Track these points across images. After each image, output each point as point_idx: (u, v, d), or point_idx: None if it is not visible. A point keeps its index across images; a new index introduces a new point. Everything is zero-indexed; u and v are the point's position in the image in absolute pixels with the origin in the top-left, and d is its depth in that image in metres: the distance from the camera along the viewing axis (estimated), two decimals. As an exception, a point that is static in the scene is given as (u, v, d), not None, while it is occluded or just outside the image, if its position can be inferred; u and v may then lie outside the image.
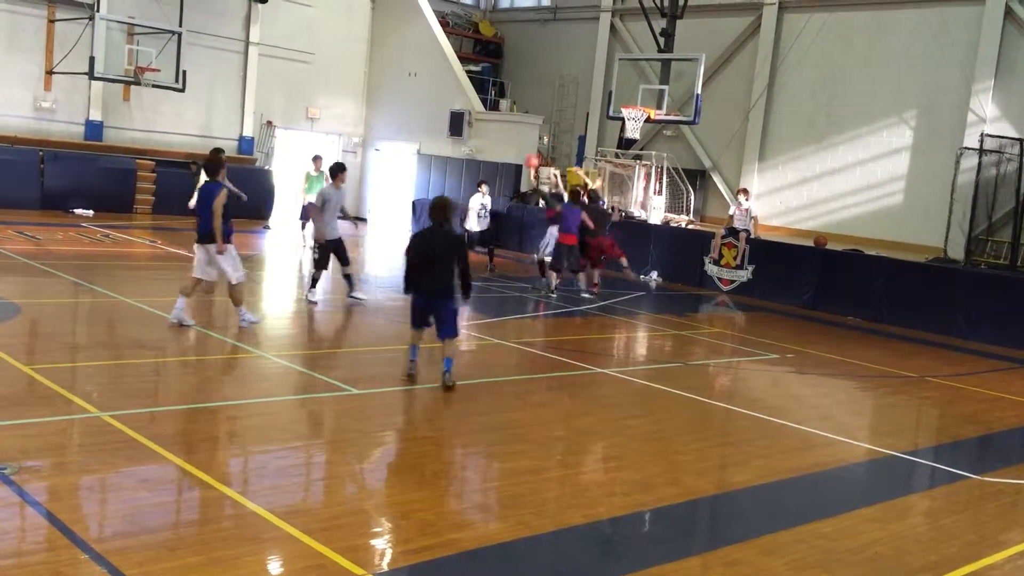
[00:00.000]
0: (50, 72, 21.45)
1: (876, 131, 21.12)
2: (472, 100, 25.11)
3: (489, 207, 18.18)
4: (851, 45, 21.53)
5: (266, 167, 25.07)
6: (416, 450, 7.30)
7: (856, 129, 21.43)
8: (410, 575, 4.91)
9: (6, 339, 9.02)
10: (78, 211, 20.81)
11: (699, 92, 20.31)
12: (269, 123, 25.49)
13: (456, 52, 26.44)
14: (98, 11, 20.05)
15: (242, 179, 23.62)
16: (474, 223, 17.86)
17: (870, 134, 21.22)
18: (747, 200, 19.00)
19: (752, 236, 18.51)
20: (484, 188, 18.15)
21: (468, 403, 8.74)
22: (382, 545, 5.33)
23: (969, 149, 18.98)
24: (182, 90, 20.91)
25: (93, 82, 21.13)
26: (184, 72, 20.62)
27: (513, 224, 22.78)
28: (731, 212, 19.12)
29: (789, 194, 22.61)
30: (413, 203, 25.48)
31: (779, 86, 22.70)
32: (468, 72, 26.22)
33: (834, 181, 21.83)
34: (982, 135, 18.75)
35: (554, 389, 9.65)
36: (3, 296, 11.13)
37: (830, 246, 18.52)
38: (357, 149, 27.73)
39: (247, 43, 24.64)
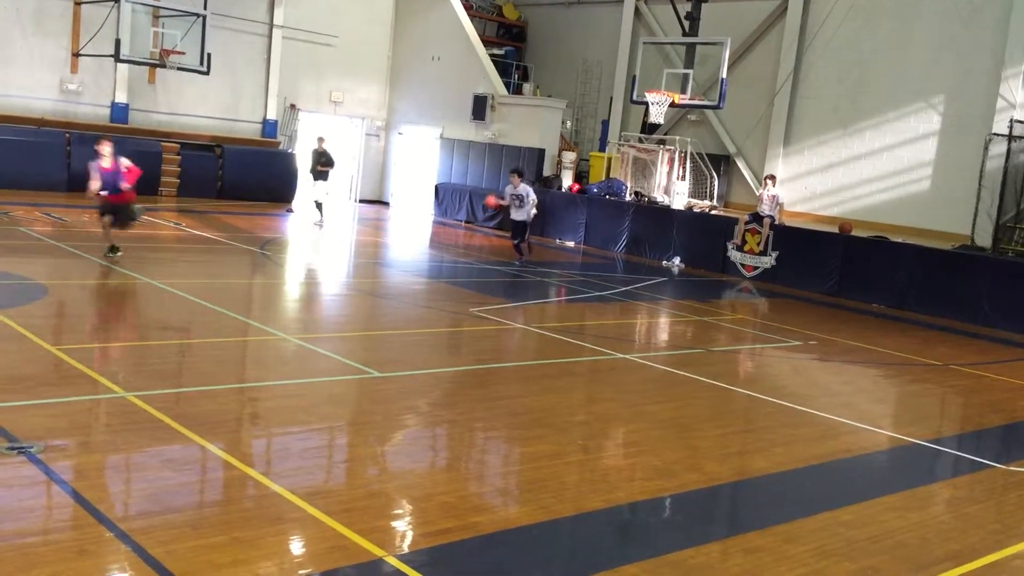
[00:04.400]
0: (76, 55, 21.59)
1: (903, 116, 20.89)
2: (495, 84, 25.04)
3: (525, 196, 16.97)
4: (878, 29, 21.28)
5: (289, 150, 25.14)
6: (437, 433, 7.33)
7: (883, 114, 21.21)
8: (430, 557, 4.94)
9: (33, 319, 9.12)
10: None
11: (724, 76, 20.17)
12: (293, 106, 25.56)
13: (480, 36, 26.36)
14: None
15: (265, 162, 23.81)
16: (514, 213, 17.23)
17: (897, 119, 20.99)
18: (774, 186, 18.88)
19: (776, 222, 18.40)
20: (513, 177, 17.24)
21: (489, 387, 8.77)
22: (403, 527, 5.37)
23: (998, 135, 18.73)
24: (207, 73, 20.98)
25: (119, 65, 21.24)
26: (209, 55, 20.68)
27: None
28: (760, 195, 19.03)
29: (814, 180, 22.42)
30: (436, 187, 25.49)
31: (805, 70, 22.49)
32: (491, 56, 26.13)
33: (860, 167, 21.63)
34: (1011, 121, 18.50)
35: (575, 374, 9.65)
36: (30, 277, 11.25)
37: (855, 233, 18.37)
38: (380, 133, 27.75)
39: (271, 26, 24.67)
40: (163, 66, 20.81)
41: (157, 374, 7.94)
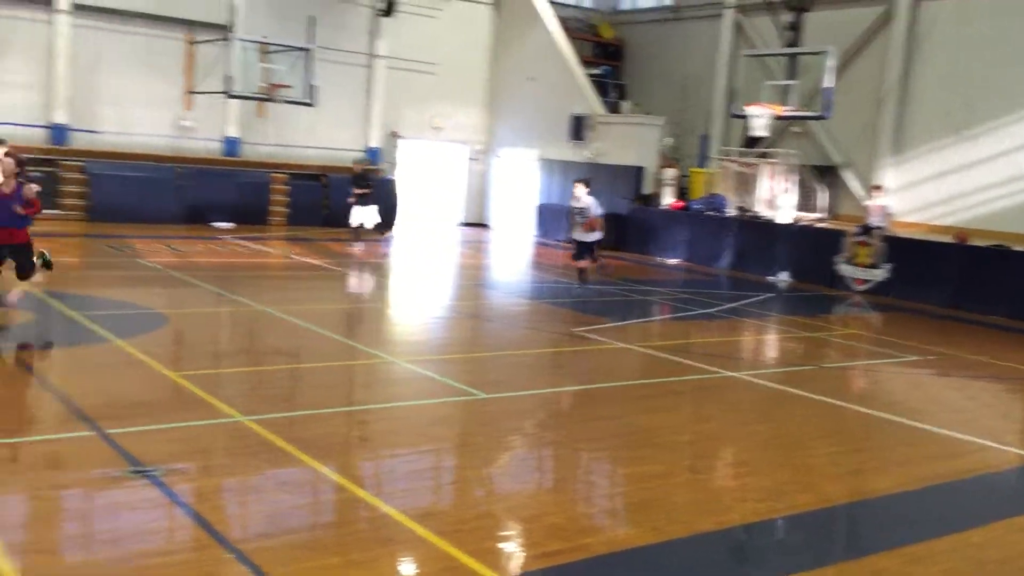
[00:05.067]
0: (189, 93, 22.52)
1: (1021, 119, 20.00)
2: (593, 103, 25.05)
3: (588, 208, 15.19)
4: (991, 30, 20.46)
5: (390, 177, 25.62)
6: (544, 454, 7.32)
7: (998, 118, 20.34)
8: (541, 579, 4.92)
9: (154, 348, 9.49)
10: (217, 224, 21.75)
11: (829, 86, 19.72)
12: (394, 134, 26.06)
13: (577, 55, 26.44)
14: (234, 32, 20.91)
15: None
16: (576, 231, 15.43)
17: (1014, 123, 20.09)
18: (881, 196, 18.32)
19: (886, 233, 17.83)
20: (577, 188, 15.46)
21: (594, 407, 8.71)
22: (513, 549, 5.36)
23: (1126, 135, 17.78)
24: (312, 105, 21.59)
25: (229, 100, 22.06)
26: (314, 87, 21.29)
27: (634, 226, 22.64)
28: (868, 206, 18.49)
29: (926, 188, 21.64)
30: (536, 208, 25.59)
31: (913, 76, 21.78)
32: (589, 75, 26.18)
33: (975, 173, 20.77)
34: None
35: (680, 393, 9.51)
36: (150, 306, 11.72)
37: (973, 242, 17.65)
38: (480, 156, 28.05)
39: (373, 56, 25.26)
40: (271, 100, 21.50)
41: (270, 398, 8.15)
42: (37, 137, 20.72)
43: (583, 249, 15.54)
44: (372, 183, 20.26)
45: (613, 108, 26.50)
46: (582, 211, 15.27)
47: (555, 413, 8.52)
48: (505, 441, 7.46)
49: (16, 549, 4.76)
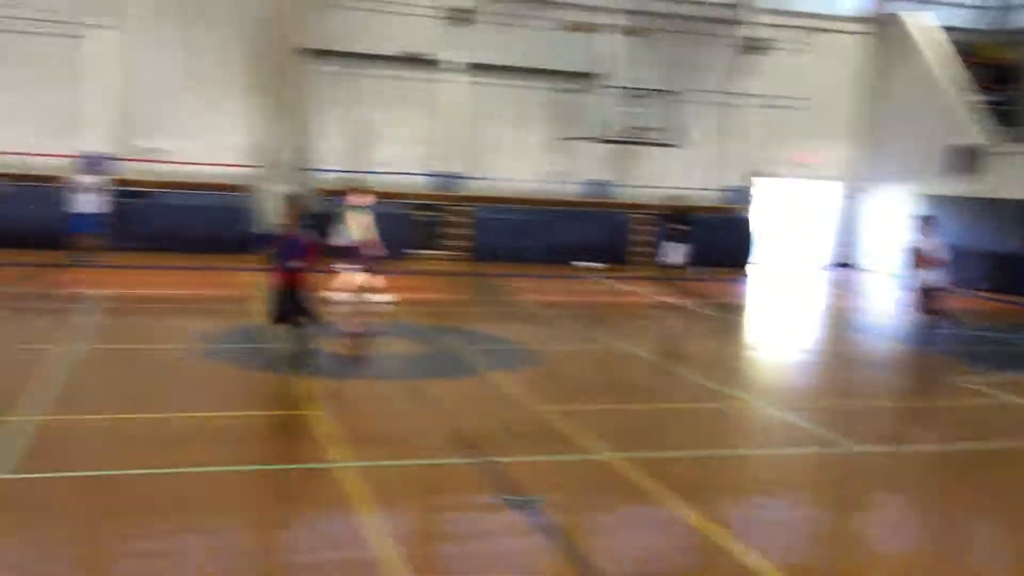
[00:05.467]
0: (559, 139, 23.71)
1: None
2: (983, 133, 22.84)
3: (926, 248, 13.79)
4: None
5: (746, 215, 25.12)
6: (923, 515, 6.69)
7: None
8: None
9: (524, 382, 9.97)
10: (580, 263, 22.58)
11: None
12: (756, 172, 25.53)
13: (964, 81, 24.32)
14: (600, 81, 21.73)
15: (726, 228, 23.94)
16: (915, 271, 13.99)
17: None
18: None
19: None
20: (916, 226, 14.14)
21: (985, 468, 7.84)
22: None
23: None
24: (678, 146, 21.77)
25: (595, 144, 22.91)
26: (679, 128, 21.48)
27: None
28: None
29: None
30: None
31: None
32: (979, 103, 23.93)
33: None
34: None
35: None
36: (523, 342, 12.35)
37: None
38: (850, 193, 26.65)
39: (736, 94, 24.99)
40: (636, 143, 22.01)
41: (632, 436, 8.23)
42: (424, 184, 22.88)
43: (925, 291, 13.81)
44: (690, 222, 19.32)
45: (1010, 137, 23.96)
46: (921, 250, 13.81)
47: (935, 471, 7.76)
48: (878, 497, 6.93)
49: (406, 566, 5.16)
